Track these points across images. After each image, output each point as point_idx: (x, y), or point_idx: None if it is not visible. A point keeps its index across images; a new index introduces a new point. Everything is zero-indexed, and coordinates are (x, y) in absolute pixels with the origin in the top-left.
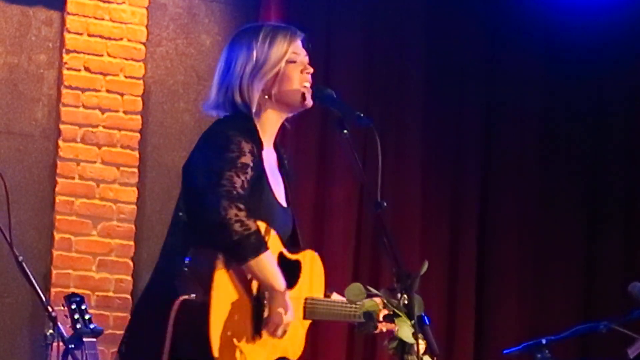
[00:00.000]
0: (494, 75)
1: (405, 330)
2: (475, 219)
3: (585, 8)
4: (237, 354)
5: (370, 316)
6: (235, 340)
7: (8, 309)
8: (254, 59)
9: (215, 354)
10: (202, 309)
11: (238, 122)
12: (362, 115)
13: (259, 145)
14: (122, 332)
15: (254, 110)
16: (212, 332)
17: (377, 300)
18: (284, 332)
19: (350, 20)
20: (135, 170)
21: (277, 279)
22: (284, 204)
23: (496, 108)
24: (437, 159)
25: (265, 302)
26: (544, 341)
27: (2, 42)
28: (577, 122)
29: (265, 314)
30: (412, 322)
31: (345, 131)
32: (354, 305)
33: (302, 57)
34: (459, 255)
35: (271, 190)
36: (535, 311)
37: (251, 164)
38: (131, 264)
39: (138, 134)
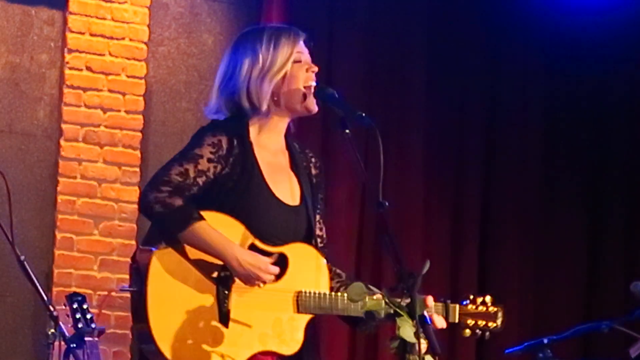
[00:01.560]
0: (497, 74)
1: (407, 329)
2: (477, 218)
3: (587, 7)
4: (195, 347)
5: (372, 315)
6: (178, 321)
7: (10, 308)
8: (260, 62)
9: (161, 346)
10: (140, 297)
11: (225, 122)
12: (363, 114)
13: (244, 144)
14: (123, 331)
15: (263, 110)
16: (151, 315)
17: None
18: (270, 273)
19: (352, 19)
20: (137, 169)
21: (221, 243)
22: (291, 203)
23: (498, 107)
24: (439, 159)
25: (226, 283)
26: (545, 341)
27: (4, 42)
28: (579, 122)
29: (233, 290)
30: (414, 321)
31: (347, 131)
32: (346, 297)
33: (306, 55)
34: (461, 255)
35: (267, 187)
36: (537, 310)
37: (208, 155)
38: None
39: (140, 134)
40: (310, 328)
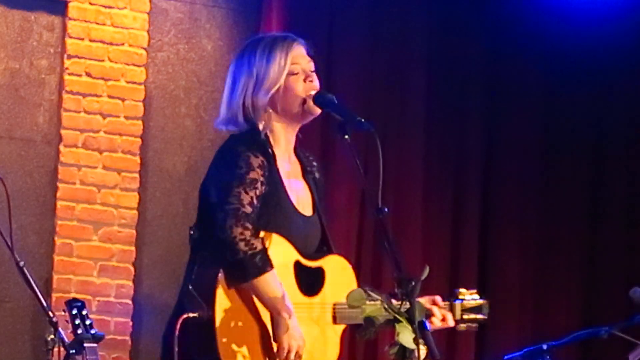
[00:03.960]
0: (496, 79)
1: (406, 335)
2: (476, 224)
3: (586, 18)
4: None
5: (371, 321)
6: (247, 355)
7: (9, 314)
8: (255, 75)
9: None
10: (207, 325)
11: (248, 137)
12: (363, 120)
13: (270, 157)
14: (123, 337)
15: (260, 126)
16: (221, 346)
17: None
18: (298, 355)
19: (352, 24)
20: (137, 175)
21: (281, 302)
22: (308, 213)
23: (498, 112)
24: (439, 162)
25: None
26: (544, 347)
27: (3, 47)
28: (579, 127)
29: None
30: (413, 327)
31: (346, 136)
32: (380, 305)
33: (304, 64)
34: (460, 261)
35: (289, 200)
36: (536, 316)
37: (261, 179)
38: (132, 269)
39: (139, 139)
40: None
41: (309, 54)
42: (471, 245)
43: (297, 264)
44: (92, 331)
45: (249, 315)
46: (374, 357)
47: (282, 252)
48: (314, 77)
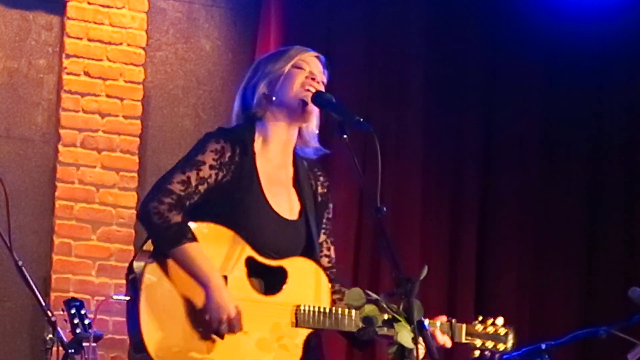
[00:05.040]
0: (494, 77)
1: (404, 335)
2: (474, 224)
3: (585, 15)
4: (190, 358)
5: (370, 321)
6: (180, 342)
7: (8, 313)
8: (262, 68)
9: (153, 355)
10: (132, 308)
11: (233, 129)
12: (361, 119)
13: (245, 152)
14: (121, 336)
15: (253, 110)
16: (145, 332)
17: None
18: (232, 328)
19: (350, 24)
20: (135, 174)
21: (202, 273)
22: (289, 217)
23: (496, 111)
24: (437, 164)
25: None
26: (543, 346)
27: (2, 47)
28: (577, 127)
29: (205, 313)
30: (412, 326)
31: (345, 136)
32: (347, 313)
33: (316, 70)
34: (459, 261)
35: (264, 198)
36: (535, 316)
37: (211, 162)
38: None
39: (138, 139)
40: (313, 343)
41: (325, 67)
42: (469, 244)
43: (251, 261)
44: (91, 330)
45: (177, 295)
46: (372, 356)
47: (229, 246)
48: (321, 84)
